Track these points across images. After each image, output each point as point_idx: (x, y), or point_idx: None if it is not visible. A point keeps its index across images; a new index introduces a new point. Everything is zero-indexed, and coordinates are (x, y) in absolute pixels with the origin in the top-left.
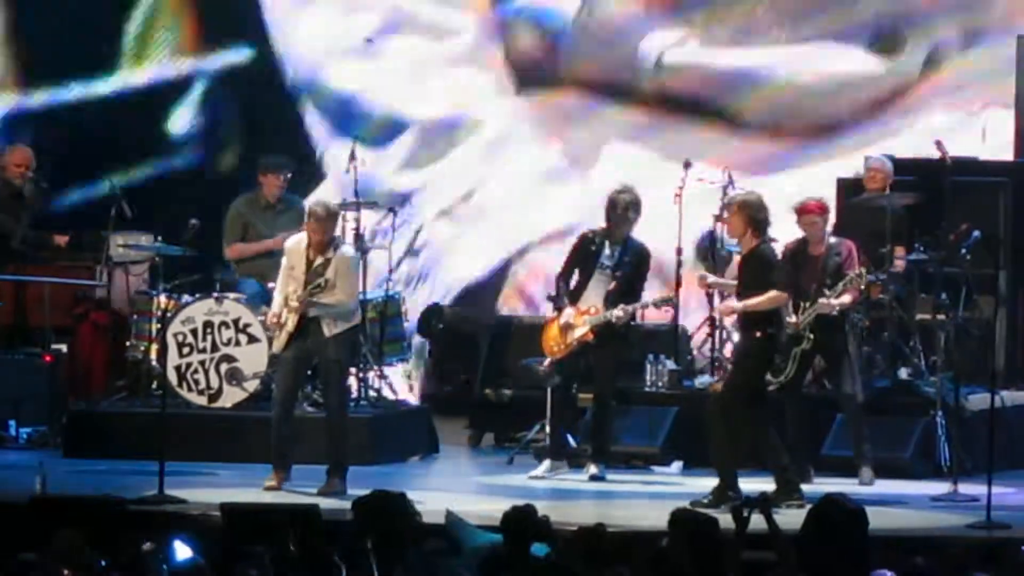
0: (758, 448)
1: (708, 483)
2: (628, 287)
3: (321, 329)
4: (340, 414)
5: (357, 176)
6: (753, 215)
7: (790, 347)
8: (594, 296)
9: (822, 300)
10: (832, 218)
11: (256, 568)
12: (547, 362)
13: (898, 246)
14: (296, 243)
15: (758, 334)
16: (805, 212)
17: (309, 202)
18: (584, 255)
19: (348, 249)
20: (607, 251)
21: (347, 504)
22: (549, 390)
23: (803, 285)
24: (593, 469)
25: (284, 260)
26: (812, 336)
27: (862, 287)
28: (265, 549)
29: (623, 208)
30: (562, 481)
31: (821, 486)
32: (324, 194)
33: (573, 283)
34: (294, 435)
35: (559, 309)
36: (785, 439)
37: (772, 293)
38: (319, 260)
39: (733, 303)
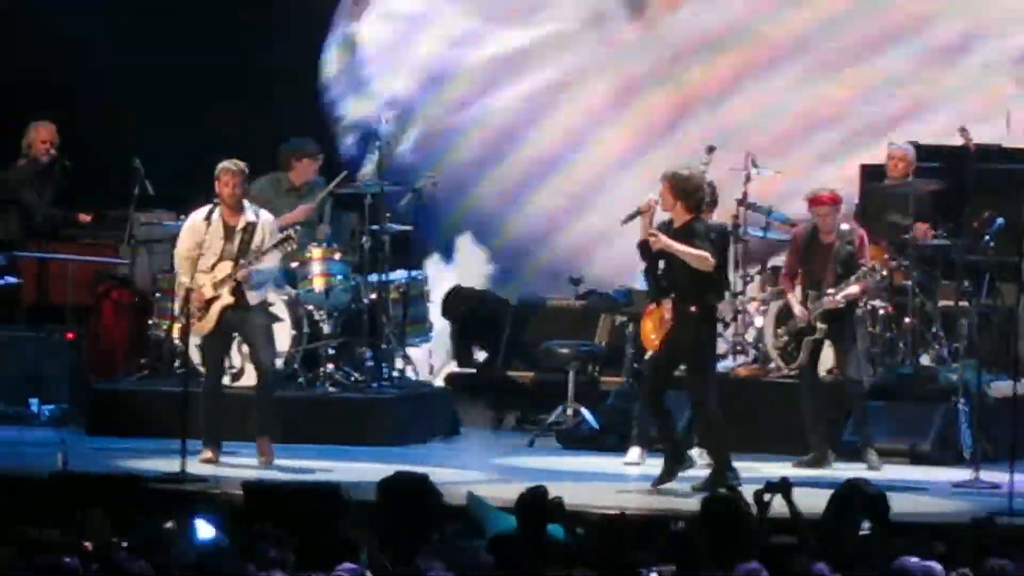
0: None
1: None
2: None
3: (246, 300)
4: (276, 376)
5: (383, 156)
6: (680, 186)
7: (801, 336)
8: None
9: (826, 298)
10: (843, 207)
11: (275, 547)
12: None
13: (921, 223)
14: (203, 214)
15: (693, 308)
16: (818, 203)
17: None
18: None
19: (267, 213)
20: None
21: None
22: (571, 374)
23: (815, 273)
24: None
25: (188, 240)
26: (823, 326)
27: (875, 279)
28: (284, 528)
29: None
30: (584, 464)
31: (838, 472)
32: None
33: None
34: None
35: (657, 303)
36: (800, 426)
37: (703, 254)
38: (239, 225)
39: (668, 241)
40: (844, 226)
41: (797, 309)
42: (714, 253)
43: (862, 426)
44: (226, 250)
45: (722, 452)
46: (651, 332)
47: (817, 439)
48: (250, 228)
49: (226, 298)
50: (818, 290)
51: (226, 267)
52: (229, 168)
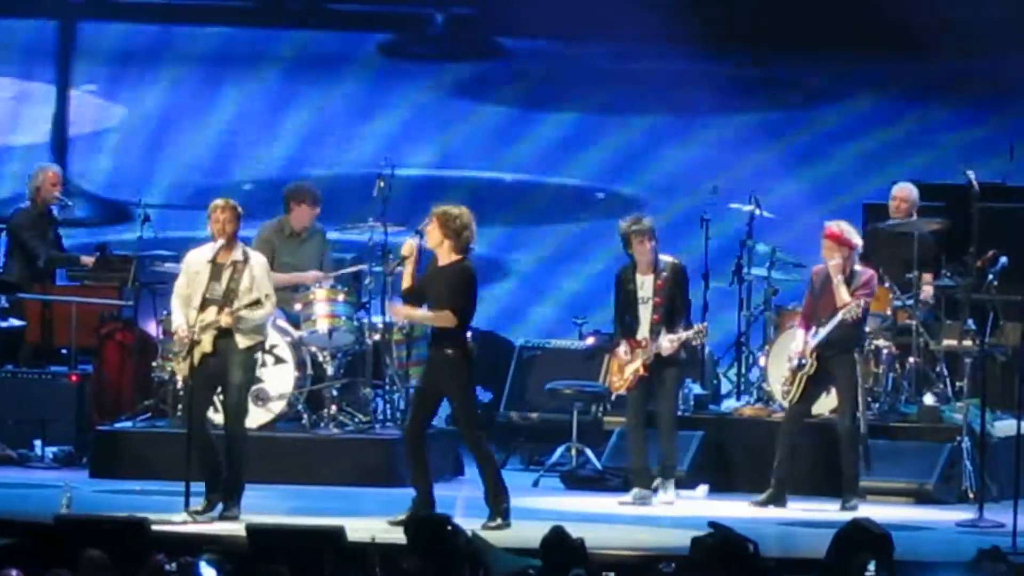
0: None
1: (734, 506)
2: (670, 310)
3: (235, 343)
4: (244, 435)
5: (386, 196)
6: (449, 224)
7: (796, 371)
8: (644, 329)
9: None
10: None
11: None
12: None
13: (925, 272)
14: (199, 253)
15: (449, 352)
16: (823, 237)
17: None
18: (624, 292)
19: (259, 255)
20: (640, 282)
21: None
22: (575, 414)
23: (819, 311)
24: (664, 493)
25: (182, 278)
26: (816, 363)
27: (855, 314)
28: (286, 569)
29: (637, 241)
30: (587, 504)
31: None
32: None
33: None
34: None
35: (617, 346)
36: (775, 460)
37: (445, 313)
38: (227, 262)
39: (408, 310)
40: (857, 267)
41: (793, 344)
42: (467, 307)
43: (850, 468)
44: (213, 289)
45: (496, 481)
46: (614, 373)
47: (778, 476)
48: (239, 268)
49: (206, 345)
50: (820, 327)
51: (211, 312)
52: (218, 204)
